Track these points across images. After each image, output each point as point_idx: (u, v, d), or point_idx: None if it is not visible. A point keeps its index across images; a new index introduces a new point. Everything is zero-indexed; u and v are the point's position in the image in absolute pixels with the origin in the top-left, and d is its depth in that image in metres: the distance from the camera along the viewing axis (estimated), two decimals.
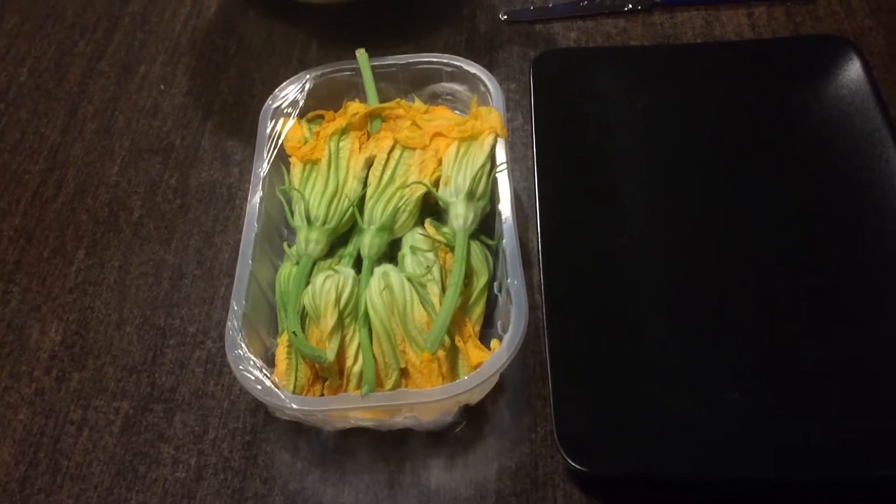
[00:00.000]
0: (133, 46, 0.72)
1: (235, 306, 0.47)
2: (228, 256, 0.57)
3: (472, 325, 0.49)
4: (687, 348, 0.49)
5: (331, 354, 0.46)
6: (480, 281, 0.50)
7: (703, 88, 0.62)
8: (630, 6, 0.69)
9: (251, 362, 0.45)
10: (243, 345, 0.46)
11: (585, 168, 0.58)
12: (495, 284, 0.51)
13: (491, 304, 0.50)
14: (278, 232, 0.54)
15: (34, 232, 0.59)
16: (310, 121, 0.59)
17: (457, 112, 0.59)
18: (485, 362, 0.44)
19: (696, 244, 0.54)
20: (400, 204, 0.51)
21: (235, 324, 0.46)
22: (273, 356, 0.49)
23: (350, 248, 0.52)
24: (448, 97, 0.60)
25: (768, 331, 0.50)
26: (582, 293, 0.51)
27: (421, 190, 0.52)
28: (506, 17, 0.70)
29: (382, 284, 0.47)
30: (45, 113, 0.67)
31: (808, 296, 0.51)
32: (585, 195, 0.57)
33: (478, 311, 0.49)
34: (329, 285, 0.48)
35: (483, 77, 0.57)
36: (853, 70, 0.60)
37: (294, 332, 0.47)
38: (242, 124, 0.65)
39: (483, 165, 0.52)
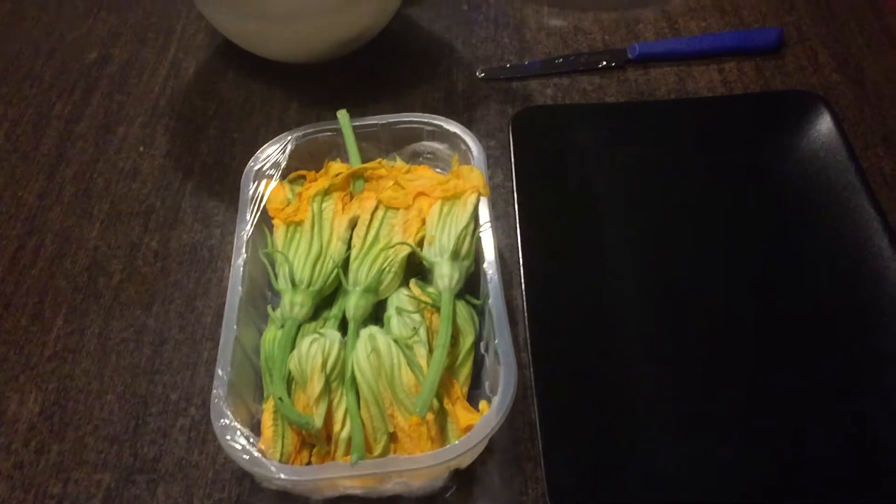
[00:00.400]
0: (111, 108, 0.72)
1: (221, 373, 0.46)
2: (211, 320, 0.56)
3: (461, 387, 0.48)
4: (677, 405, 0.49)
5: (318, 420, 0.46)
6: (467, 341, 0.50)
7: (679, 144, 0.63)
8: (605, 63, 0.71)
9: (237, 431, 0.45)
10: (229, 413, 0.45)
11: (567, 224, 0.59)
12: (482, 344, 0.51)
13: (478, 364, 0.50)
14: (262, 295, 0.54)
15: (12, 298, 0.58)
16: (292, 181, 0.59)
17: (438, 171, 0.60)
18: (475, 426, 0.43)
19: (680, 299, 0.55)
20: (385, 265, 0.51)
21: (221, 392, 0.45)
22: (258, 423, 0.48)
23: (335, 310, 0.52)
24: (429, 156, 0.61)
25: (758, 385, 0.50)
26: (569, 350, 0.52)
27: (405, 250, 0.52)
28: (483, 74, 0.71)
29: (369, 348, 0.47)
30: (23, 176, 0.66)
31: (794, 348, 0.51)
32: (568, 251, 0.57)
33: (465, 371, 0.49)
34: (315, 349, 0.47)
35: (464, 136, 0.57)
36: (824, 124, 0.61)
37: (280, 398, 0.46)
38: (223, 185, 0.65)
39: (467, 225, 0.52)
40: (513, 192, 0.60)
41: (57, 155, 0.68)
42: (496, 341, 0.46)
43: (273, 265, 0.54)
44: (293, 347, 0.49)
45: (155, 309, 0.57)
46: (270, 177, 0.57)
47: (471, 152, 0.57)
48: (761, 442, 0.47)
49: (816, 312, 0.53)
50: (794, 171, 0.60)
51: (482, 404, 0.47)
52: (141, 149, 0.68)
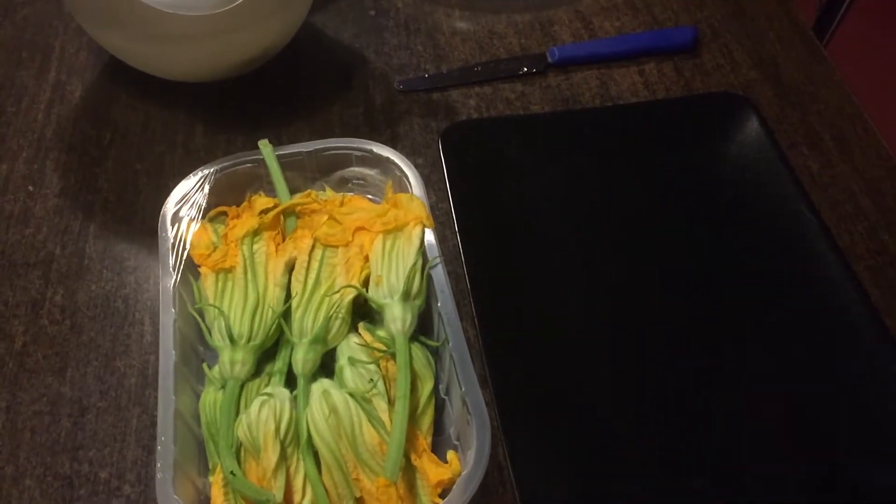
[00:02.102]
0: None
1: (163, 451, 0.42)
2: (136, 382, 0.51)
3: (424, 437, 0.45)
4: (651, 437, 0.48)
5: (279, 494, 0.42)
6: (426, 387, 0.47)
7: (611, 151, 0.62)
8: (525, 69, 0.68)
9: None
10: (177, 498, 0.40)
11: (511, 244, 0.57)
12: (441, 387, 0.48)
13: (437, 409, 0.47)
14: (194, 351, 0.49)
15: None
16: (212, 220, 0.54)
17: (369, 197, 0.57)
18: (453, 487, 0.41)
19: (629, 311, 0.54)
20: (331, 311, 0.48)
21: (167, 475, 0.41)
22: (206, 500, 0.44)
23: (279, 364, 0.48)
24: (358, 181, 0.57)
25: (717, 410, 0.50)
26: (531, 382, 0.50)
27: (352, 294, 0.48)
28: (401, 86, 0.68)
29: (326, 408, 0.44)
30: None
31: (735, 355, 0.52)
32: (516, 274, 0.55)
33: (427, 420, 0.46)
34: (266, 413, 0.44)
35: (398, 161, 0.54)
36: (750, 126, 0.62)
37: (232, 472, 0.42)
38: (131, 225, 0.59)
39: (415, 262, 0.49)
40: (449, 215, 0.58)
41: None
42: (462, 389, 0.44)
43: (203, 317, 0.49)
44: (238, 411, 0.45)
45: (69, 374, 0.51)
46: (190, 218, 0.52)
47: (407, 179, 0.54)
48: (735, 472, 0.46)
49: (759, 315, 0.54)
50: (725, 174, 0.60)
51: (450, 455, 0.44)
52: (30, 188, 0.61)
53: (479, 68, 0.69)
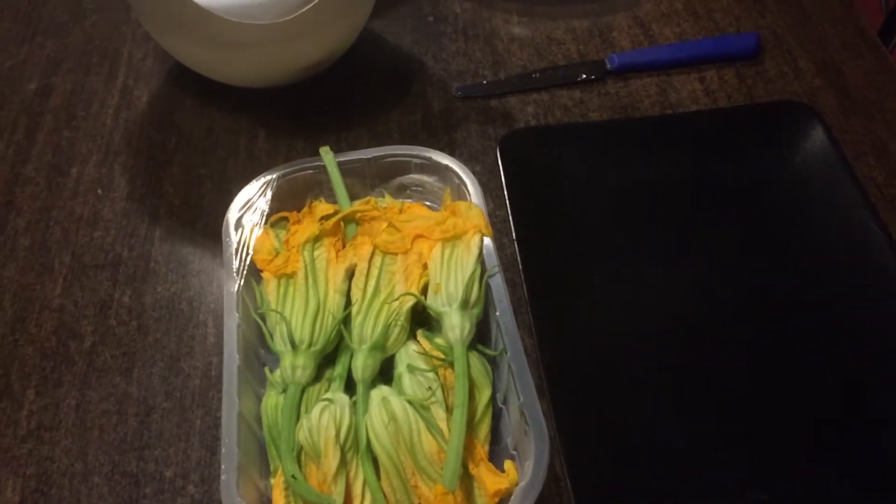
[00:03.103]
0: (61, 146, 0.66)
1: (227, 453, 0.43)
2: (199, 383, 0.52)
3: (482, 446, 0.46)
4: (709, 448, 0.47)
5: (339, 499, 0.43)
6: (483, 396, 0.47)
7: (670, 160, 0.61)
8: (584, 76, 0.68)
9: None
10: (242, 501, 0.41)
11: (568, 253, 0.56)
12: (498, 396, 0.48)
13: (495, 418, 0.48)
14: (256, 355, 0.50)
15: None
16: (273, 225, 0.55)
17: (427, 204, 0.57)
18: (511, 500, 0.41)
19: (690, 326, 0.53)
20: (390, 319, 0.48)
21: (231, 478, 0.42)
22: (268, 500, 0.45)
23: (339, 370, 0.48)
24: (417, 188, 0.58)
25: (775, 419, 0.49)
26: (589, 396, 0.50)
27: (411, 301, 0.49)
28: (459, 93, 0.68)
29: (386, 415, 0.44)
30: None
31: (801, 366, 0.51)
32: (574, 283, 0.55)
33: (484, 429, 0.47)
34: (327, 419, 0.44)
35: (458, 170, 0.55)
36: (815, 136, 0.60)
37: (293, 476, 0.43)
38: (195, 228, 0.60)
39: (474, 270, 0.49)
40: (506, 222, 0.58)
41: (5, 203, 0.62)
42: (521, 400, 0.44)
43: (264, 321, 0.50)
44: (298, 415, 0.46)
45: (136, 374, 0.53)
46: (253, 224, 0.53)
47: (465, 187, 0.54)
48: (798, 487, 0.46)
49: (824, 330, 0.53)
50: (788, 185, 0.59)
51: (507, 465, 0.44)
52: (99, 191, 0.63)
53: (538, 75, 0.69)
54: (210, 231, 0.60)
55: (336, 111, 0.67)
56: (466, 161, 0.63)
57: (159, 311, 0.56)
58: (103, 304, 0.56)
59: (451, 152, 0.63)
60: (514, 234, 0.56)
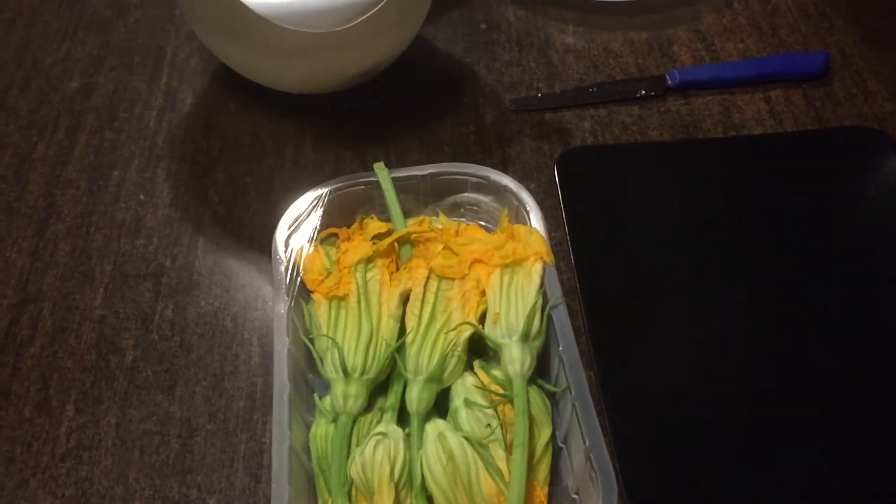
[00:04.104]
0: (103, 148, 0.64)
1: (279, 492, 0.41)
2: (244, 405, 0.50)
3: (542, 487, 0.44)
4: (781, 495, 0.45)
5: None
6: (543, 434, 0.45)
7: (735, 185, 0.59)
8: (643, 92, 0.66)
9: None
10: None
11: (631, 280, 0.54)
12: (558, 434, 0.46)
13: (553, 456, 0.45)
14: (304, 379, 0.48)
15: (10, 385, 0.51)
16: (322, 241, 0.53)
17: (482, 224, 0.55)
18: None
19: (760, 361, 0.51)
20: (447, 349, 0.46)
21: None
22: None
23: (391, 400, 0.46)
24: (472, 207, 0.55)
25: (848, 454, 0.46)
26: (655, 435, 0.47)
27: (469, 331, 0.47)
28: (512, 105, 0.66)
29: (444, 455, 0.42)
30: (8, 233, 0.59)
31: (870, 400, 0.48)
32: (636, 313, 0.53)
33: (544, 470, 0.45)
34: (381, 454, 0.42)
35: (517, 191, 0.53)
36: (888, 162, 0.58)
37: None
38: (240, 240, 0.58)
39: (536, 301, 0.47)
40: (563, 243, 0.55)
41: (45, 206, 0.61)
42: (586, 444, 0.42)
43: (313, 343, 0.48)
44: (349, 447, 0.44)
45: (178, 393, 0.51)
46: (304, 241, 0.51)
47: (525, 210, 0.52)
48: None
49: (889, 357, 0.50)
50: (859, 215, 0.57)
51: None
52: (141, 197, 0.61)
53: (595, 89, 0.66)
54: (255, 243, 0.58)
55: (385, 120, 0.65)
56: (521, 178, 0.60)
57: (203, 326, 0.54)
58: (145, 316, 0.54)
59: (505, 169, 0.61)
60: (572, 259, 0.54)
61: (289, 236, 0.51)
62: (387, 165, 0.53)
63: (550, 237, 0.57)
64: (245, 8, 0.53)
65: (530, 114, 0.65)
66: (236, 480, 0.47)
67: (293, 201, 0.52)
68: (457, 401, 0.45)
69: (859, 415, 0.48)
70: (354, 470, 0.42)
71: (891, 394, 0.49)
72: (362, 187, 0.54)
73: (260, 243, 0.58)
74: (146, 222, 0.59)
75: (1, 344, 0.53)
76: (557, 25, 0.72)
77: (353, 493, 0.43)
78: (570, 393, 0.44)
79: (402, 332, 0.48)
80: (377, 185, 0.54)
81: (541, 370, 0.47)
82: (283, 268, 0.49)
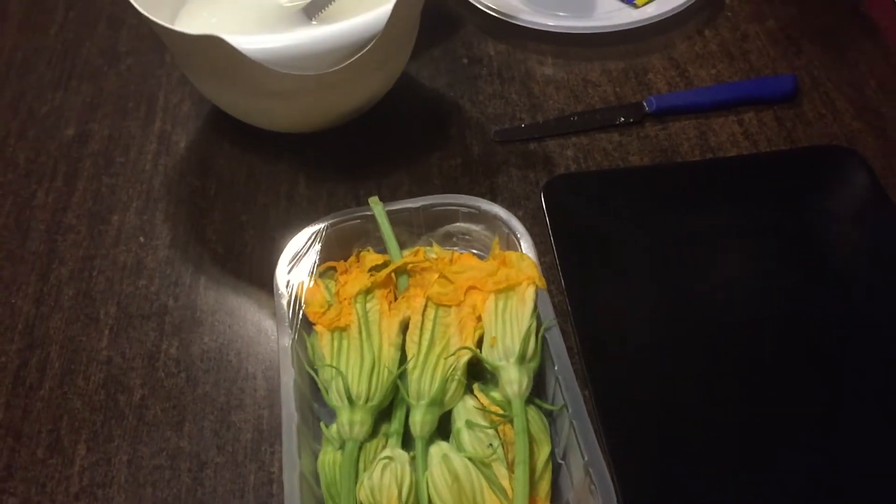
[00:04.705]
0: (101, 193, 0.66)
1: None
2: (251, 437, 0.52)
3: (543, 503, 0.45)
4: (774, 487, 0.47)
5: None
6: (543, 452, 0.47)
7: (716, 205, 0.61)
8: (622, 119, 0.68)
9: None
10: None
11: (619, 302, 0.56)
12: (556, 451, 0.48)
13: (553, 472, 0.47)
14: (310, 408, 0.50)
15: (22, 427, 0.53)
16: (321, 275, 0.55)
17: (474, 252, 0.57)
18: None
19: (749, 374, 0.53)
20: (447, 373, 0.48)
21: None
22: None
23: (395, 425, 0.48)
24: (464, 236, 0.58)
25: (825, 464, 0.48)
26: (651, 450, 0.49)
27: (467, 355, 0.48)
28: (497, 137, 0.68)
29: (448, 475, 0.44)
30: (13, 280, 0.60)
31: (852, 413, 0.50)
32: (627, 332, 0.55)
33: (545, 486, 0.46)
34: (388, 478, 0.44)
35: (507, 219, 0.55)
36: (860, 180, 0.61)
37: None
38: (240, 277, 0.60)
39: (530, 325, 0.49)
40: (552, 268, 0.58)
41: (47, 252, 0.62)
42: (585, 459, 0.43)
43: (317, 373, 0.50)
44: (357, 472, 0.46)
45: (186, 428, 0.52)
46: (304, 276, 0.53)
47: (516, 237, 0.54)
48: None
49: (873, 376, 0.52)
50: (834, 230, 0.59)
51: None
52: (141, 239, 0.63)
53: (576, 118, 0.69)
54: (255, 280, 0.60)
55: (375, 156, 0.67)
56: (509, 206, 0.62)
57: (207, 362, 0.55)
58: (151, 355, 0.56)
59: (493, 197, 0.63)
60: (562, 282, 0.56)
61: (289, 271, 0.53)
62: (379, 199, 0.55)
63: (540, 262, 0.59)
64: (237, 52, 0.55)
65: (515, 144, 0.68)
66: None
67: (290, 237, 0.54)
68: (459, 423, 0.47)
69: (850, 415, 0.50)
70: (363, 494, 0.44)
71: (885, 394, 0.51)
72: (358, 221, 0.56)
73: (260, 279, 0.59)
74: (147, 263, 0.61)
75: (10, 388, 0.54)
76: (537, 58, 0.75)
77: None
78: (567, 410, 0.45)
79: (402, 359, 0.49)
80: (372, 218, 0.56)
81: (538, 390, 0.49)
82: (284, 302, 0.51)
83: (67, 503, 0.49)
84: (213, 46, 0.54)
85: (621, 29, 0.74)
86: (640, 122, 0.69)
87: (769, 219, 0.60)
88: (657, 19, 0.75)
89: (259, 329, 0.57)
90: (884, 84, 0.70)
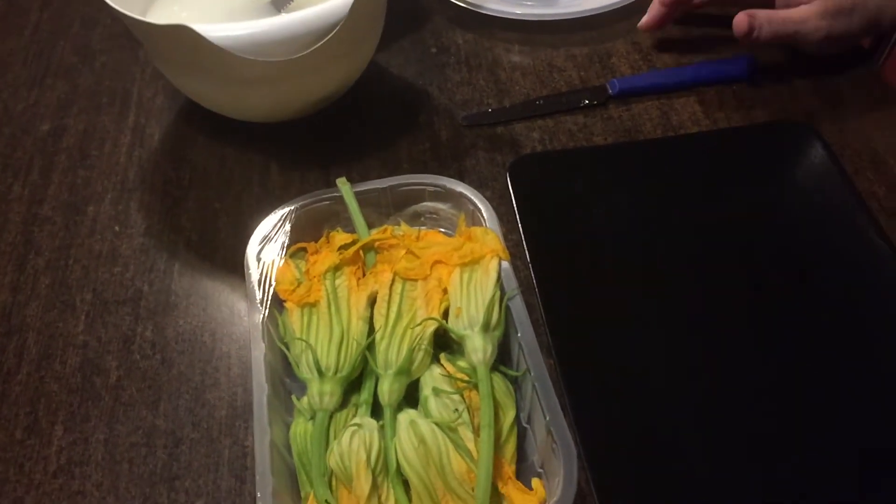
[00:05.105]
0: (76, 185, 0.67)
1: (263, 482, 0.43)
2: (225, 413, 0.53)
3: (509, 465, 0.47)
4: (735, 460, 0.48)
5: None
6: (508, 416, 0.48)
7: (676, 181, 0.63)
8: (586, 101, 0.70)
9: None
10: None
11: (582, 275, 0.58)
12: (522, 416, 0.49)
13: (519, 436, 0.49)
14: (282, 383, 0.51)
15: (0, 410, 0.54)
16: (292, 255, 0.56)
17: (441, 231, 0.58)
18: None
19: (707, 342, 0.54)
20: (414, 343, 0.49)
21: None
22: None
23: (365, 395, 0.49)
24: (431, 215, 0.59)
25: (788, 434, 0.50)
26: (611, 412, 0.51)
27: (433, 326, 0.50)
28: (465, 122, 0.70)
29: (415, 438, 0.45)
30: None
31: (814, 380, 0.52)
32: (590, 303, 0.56)
33: (510, 448, 0.48)
34: (357, 444, 0.45)
35: (472, 197, 0.56)
36: (816, 154, 0.62)
37: (326, 501, 0.44)
38: (214, 262, 0.61)
39: (494, 294, 0.50)
40: (519, 245, 0.59)
41: (24, 242, 0.63)
42: (547, 418, 0.45)
43: (289, 350, 0.51)
44: (328, 441, 0.47)
45: (162, 407, 0.53)
46: (274, 255, 0.54)
47: (480, 212, 0.55)
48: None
49: (834, 339, 0.54)
50: (791, 202, 0.61)
51: (535, 482, 0.45)
52: (116, 228, 0.64)
53: (542, 101, 0.71)
54: (228, 264, 0.61)
55: (346, 143, 0.69)
56: (477, 187, 0.63)
57: (182, 344, 0.56)
58: (126, 339, 0.57)
59: (461, 179, 0.64)
60: (528, 257, 0.57)
61: (259, 251, 0.54)
62: (353, 184, 0.57)
63: (507, 239, 0.60)
64: (204, 40, 0.56)
65: (483, 128, 0.69)
66: (222, 483, 0.50)
67: (262, 221, 0.55)
68: (426, 391, 0.48)
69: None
70: (333, 460, 0.45)
71: (836, 367, 0.52)
72: (327, 203, 0.57)
73: (233, 264, 0.61)
74: (122, 251, 0.62)
75: None
76: (504, 45, 0.77)
77: (334, 483, 0.46)
78: (530, 373, 0.47)
79: (371, 332, 0.51)
80: (341, 200, 0.57)
81: (503, 359, 0.51)
82: (255, 281, 0.52)
83: (45, 481, 0.50)
84: (181, 36, 0.55)
85: (586, 15, 0.76)
86: (603, 104, 0.70)
87: (729, 192, 0.62)
88: (620, 5, 0.77)
89: (232, 311, 0.58)
90: (840, 60, 0.72)
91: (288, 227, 0.56)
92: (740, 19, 0.66)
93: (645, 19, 0.72)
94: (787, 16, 0.66)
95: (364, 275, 0.54)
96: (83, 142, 0.71)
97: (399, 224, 0.58)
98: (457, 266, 0.52)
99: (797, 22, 0.65)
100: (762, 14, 0.66)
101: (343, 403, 0.49)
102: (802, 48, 0.68)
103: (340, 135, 0.69)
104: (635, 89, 0.70)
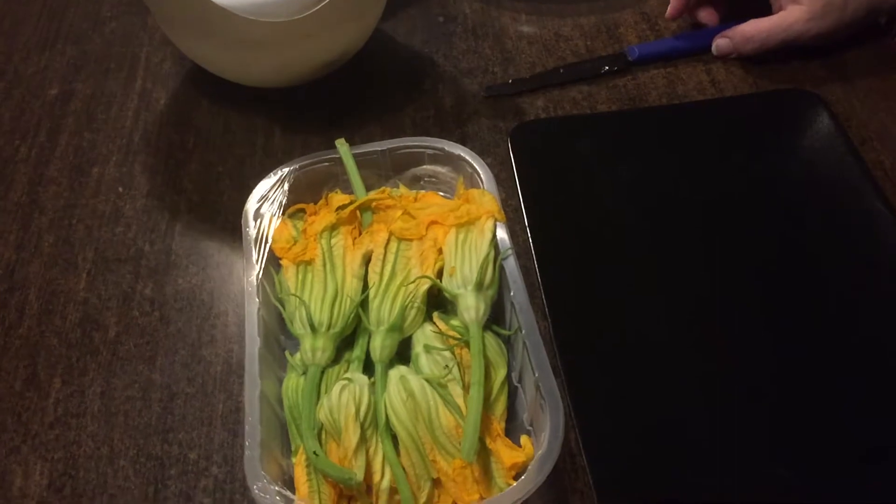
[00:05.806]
0: (82, 147, 0.68)
1: (251, 430, 0.44)
2: (221, 370, 0.53)
3: (498, 422, 0.47)
4: (726, 423, 0.48)
5: (359, 473, 0.43)
6: (499, 374, 0.48)
7: (679, 149, 0.62)
8: (606, 68, 0.69)
9: (274, 491, 0.42)
10: (265, 474, 0.42)
11: (580, 240, 0.57)
12: (513, 375, 0.49)
13: (510, 396, 0.49)
14: (276, 340, 0.51)
15: (0, 363, 0.54)
16: (291, 216, 0.56)
17: (441, 194, 0.58)
18: (528, 470, 0.42)
19: (704, 309, 0.54)
20: (407, 301, 0.49)
21: (255, 453, 0.43)
22: (290, 478, 0.46)
23: (357, 352, 0.49)
24: (430, 179, 0.59)
25: (786, 394, 0.49)
26: (603, 373, 0.50)
27: (426, 284, 0.50)
28: (487, 93, 0.69)
29: (404, 392, 0.45)
30: None
31: (814, 348, 0.51)
32: (586, 268, 0.56)
33: (500, 406, 0.48)
34: (346, 397, 0.45)
35: (470, 159, 0.56)
36: (822, 123, 0.61)
37: (315, 453, 0.44)
38: (214, 223, 0.61)
39: (488, 253, 0.50)
40: (518, 211, 0.59)
41: (29, 202, 0.64)
42: (536, 375, 0.45)
43: (284, 308, 0.51)
44: (318, 395, 0.47)
45: (159, 362, 0.54)
46: (271, 214, 0.55)
47: (478, 175, 0.55)
48: (818, 462, 0.46)
49: (837, 309, 0.53)
50: (797, 171, 0.60)
51: (524, 439, 0.45)
52: (120, 189, 0.64)
53: (563, 70, 0.70)
54: (229, 225, 0.61)
55: (350, 109, 0.69)
56: (478, 154, 0.63)
57: (181, 301, 0.57)
58: (126, 296, 0.57)
59: (463, 145, 0.64)
60: (526, 222, 0.57)
61: (257, 210, 0.54)
62: (352, 146, 0.57)
63: (507, 205, 0.60)
64: (208, 2, 0.56)
65: (489, 98, 0.69)
66: (215, 436, 0.50)
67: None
68: (417, 348, 0.49)
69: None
70: (323, 413, 0.45)
71: (839, 338, 0.51)
72: (326, 164, 0.58)
73: (233, 225, 0.61)
74: (125, 212, 0.63)
75: None
76: (511, 15, 0.76)
77: (323, 436, 0.46)
78: (521, 331, 0.47)
79: (365, 290, 0.51)
80: (340, 162, 0.57)
81: (497, 319, 0.51)
82: (252, 238, 0.53)
83: (42, 431, 0.51)
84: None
85: None
86: (622, 71, 0.69)
87: (734, 161, 0.61)
88: None
89: (231, 270, 0.59)
90: (851, 32, 0.71)
91: (286, 187, 0.56)
92: (720, 43, 0.68)
93: (669, 10, 0.71)
94: (772, 24, 0.66)
95: (360, 234, 0.54)
96: (90, 105, 0.71)
97: (398, 187, 0.58)
98: (453, 226, 0.52)
99: (783, 29, 0.66)
100: (741, 34, 0.67)
101: (336, 360, 0.49)
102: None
103: (344, 101, 0.69)
104: (654, 54, 0.70)
